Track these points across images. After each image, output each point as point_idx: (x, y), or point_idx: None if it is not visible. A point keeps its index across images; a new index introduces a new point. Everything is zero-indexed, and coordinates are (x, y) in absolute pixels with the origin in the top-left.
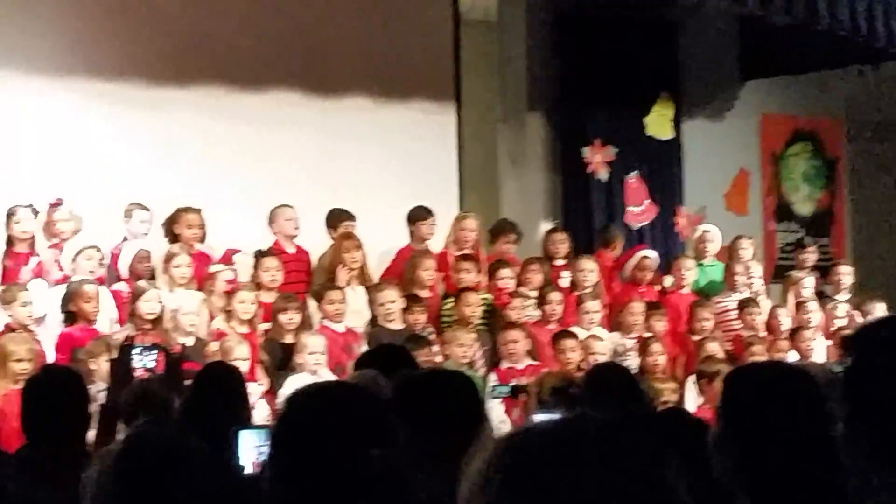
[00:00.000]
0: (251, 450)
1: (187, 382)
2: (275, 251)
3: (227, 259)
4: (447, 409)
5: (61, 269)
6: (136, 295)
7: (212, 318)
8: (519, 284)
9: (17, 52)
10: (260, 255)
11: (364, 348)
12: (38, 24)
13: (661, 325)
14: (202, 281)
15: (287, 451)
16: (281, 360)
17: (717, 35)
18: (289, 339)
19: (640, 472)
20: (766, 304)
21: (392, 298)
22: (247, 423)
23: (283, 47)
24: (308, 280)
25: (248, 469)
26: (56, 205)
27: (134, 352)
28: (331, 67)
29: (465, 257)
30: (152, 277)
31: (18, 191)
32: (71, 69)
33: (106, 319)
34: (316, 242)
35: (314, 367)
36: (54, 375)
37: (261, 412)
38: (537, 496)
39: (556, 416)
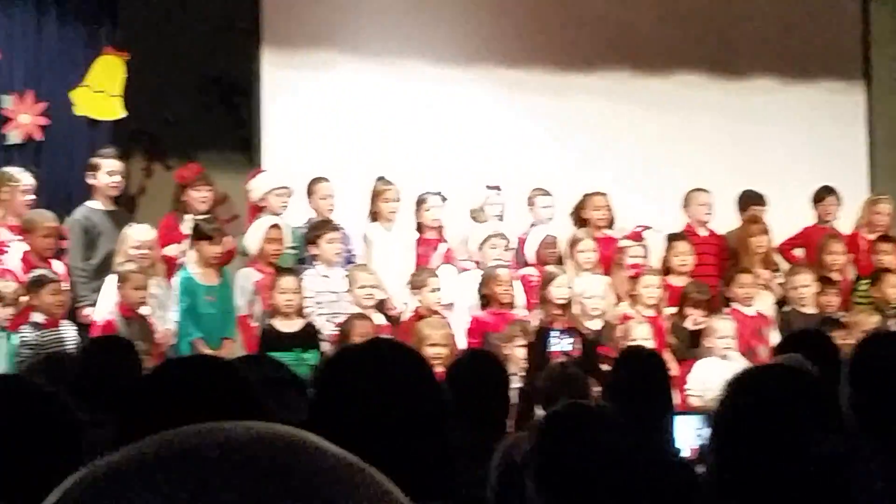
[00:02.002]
0: (688, 435)
1: (602, 366)
2: (686, 235)
3: (636, 236)
4: None
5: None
6: (547, 280)
7: (618, 296)
8: None
9: (430, 44)
10: (671, 238)
11: (774, 332)
12: (450, 16)
13: None
14: (611, 258)
15: (731, 436)
16: (689, 343)
17: None
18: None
19: None
20: None
21: (806, 283)
22: (672, 409)
23: (688, 29)
24: (719, 264)
25: (685, 454)
26: (494, 188)
27: (552, 335)
28: (736, 48)
29: (883, 238)
30: (559, 263)
31: (428, 178)
32: (481, 58)
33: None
34: (721, 225)
35: (724, 350)
36: (478, 360)
37: None
38: None
39: None
